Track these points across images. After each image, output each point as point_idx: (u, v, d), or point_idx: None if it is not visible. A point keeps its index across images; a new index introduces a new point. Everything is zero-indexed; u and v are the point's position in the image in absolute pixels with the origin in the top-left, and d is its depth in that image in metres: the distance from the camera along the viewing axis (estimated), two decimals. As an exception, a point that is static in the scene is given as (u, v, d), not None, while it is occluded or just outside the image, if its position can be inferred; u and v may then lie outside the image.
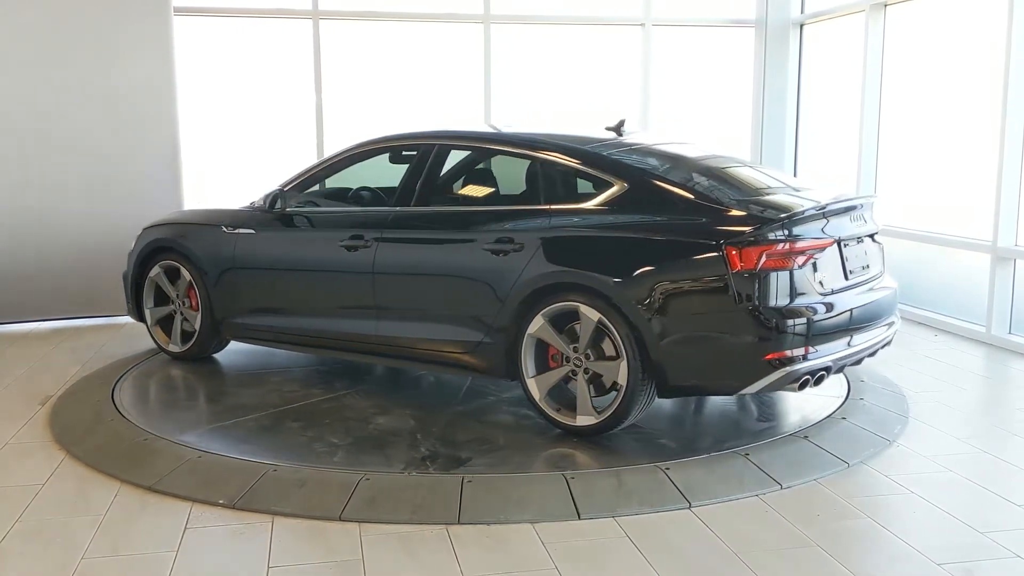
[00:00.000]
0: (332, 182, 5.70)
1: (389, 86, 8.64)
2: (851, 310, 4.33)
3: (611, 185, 4.49)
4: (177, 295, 5.80)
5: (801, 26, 9.03)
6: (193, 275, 5.66)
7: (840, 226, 4.43)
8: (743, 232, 4.07)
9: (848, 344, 4.33)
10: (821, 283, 4.23)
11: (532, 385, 4.46)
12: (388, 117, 8.41)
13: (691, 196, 4.34)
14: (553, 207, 4.58)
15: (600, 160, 4.65)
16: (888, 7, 7.71)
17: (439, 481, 3.84)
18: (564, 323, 4.38)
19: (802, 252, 4.16)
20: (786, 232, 4.12)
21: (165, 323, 5.94)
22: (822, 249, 4.26)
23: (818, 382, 4.18)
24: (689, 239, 4.19)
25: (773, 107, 9.06)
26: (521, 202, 4.84)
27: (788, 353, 4.03)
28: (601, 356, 4.28)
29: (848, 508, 3.66)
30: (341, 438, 4.40)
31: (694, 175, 4.59)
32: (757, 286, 4.01)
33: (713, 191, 4.44)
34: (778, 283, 4.05)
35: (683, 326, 4.15)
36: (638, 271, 4.19)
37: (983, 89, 6.75)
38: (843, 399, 4.91)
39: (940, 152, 7.30)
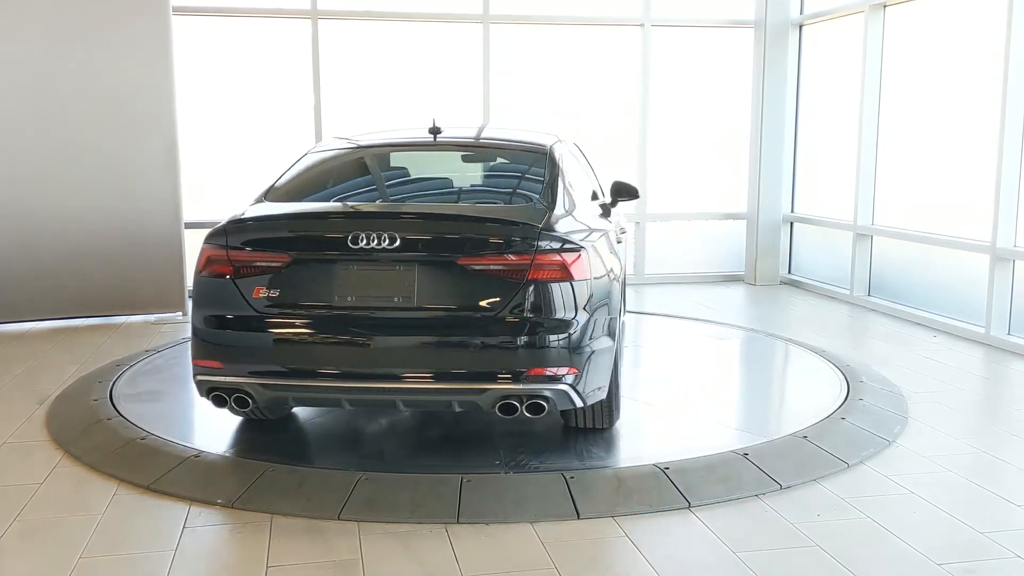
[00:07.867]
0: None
1: (388, 86, 8.65)
2: (311, 337, 3.86)
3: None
4: None
5: (800, 27, 9.04)
6: None
7: (342, 242, 3.81)
8: (217, 230, 3.99)
9: (311, 376, 3.84)
10: (265, 299, 3.82)
11: None
12: (387, 117, 8.41)
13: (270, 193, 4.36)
14: None
15: (305, 158, 4.78)
16: (887, 8, 7.72)
17: (438, 480, 3.83)
18: None
19: (245, 262, 3.87)
20: (234, 238, 3.90)
21: None
22: (273, 263, 3.85)
23: (241, 404, 3.91)
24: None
25: (772, 107, 9.06)
26: None
27: (199, 363, 3.93)
28: None
29: (848, 508, 3.66)
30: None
31: (343, 173, 4.77)
32: (196, 287, 3.99)
33: (309, 191, 4.50)
34: (207, 288, 3.92)
35: None
36: None
37: (982, 89, 6.75)
38: (843, 399, 4.90)
39: (939, 152, 7.29)
